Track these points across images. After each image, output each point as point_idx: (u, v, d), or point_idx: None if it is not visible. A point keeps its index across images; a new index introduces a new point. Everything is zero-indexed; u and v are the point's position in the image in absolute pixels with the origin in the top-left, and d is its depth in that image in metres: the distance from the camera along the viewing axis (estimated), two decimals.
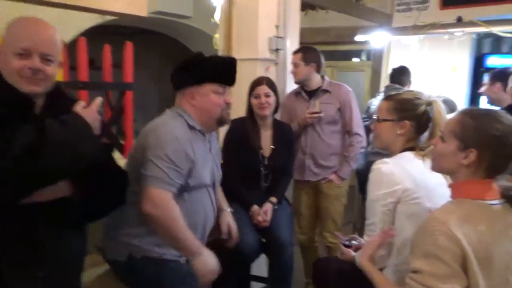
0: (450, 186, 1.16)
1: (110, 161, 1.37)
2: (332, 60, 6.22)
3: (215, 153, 1.73)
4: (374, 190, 1.41)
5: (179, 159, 1.47)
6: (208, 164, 1.64)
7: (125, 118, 2.26)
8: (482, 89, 2.72)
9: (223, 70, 1.61)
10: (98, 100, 1.25)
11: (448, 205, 1.10)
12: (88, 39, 2.43)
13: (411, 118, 1.47)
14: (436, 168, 1.21)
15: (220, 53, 2.74)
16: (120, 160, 2.34)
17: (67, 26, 3.84)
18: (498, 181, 1.13)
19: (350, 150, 2.54)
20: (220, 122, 1.63)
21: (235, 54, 2.63)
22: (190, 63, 1.60)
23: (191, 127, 1.56)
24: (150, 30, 6.00)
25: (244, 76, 2.12)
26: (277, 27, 2.59)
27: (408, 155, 1.46)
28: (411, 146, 1.49)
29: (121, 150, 2.30)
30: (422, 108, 1.47)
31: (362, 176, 3.60)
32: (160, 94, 9.48)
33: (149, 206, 1.43)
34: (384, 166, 1.41)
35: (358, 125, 2.54)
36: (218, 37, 2.84)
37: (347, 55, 6.34)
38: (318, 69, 2.57)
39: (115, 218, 1.51)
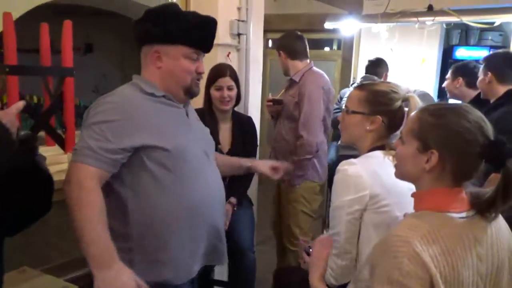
0: (412, 195, 1.01)
1: (32, 166, 1.15)
2: None
3: (196, 122, 1.48)
4: (339, 196, 1.24)
5: (111, 127, 1.19)
6: (187, 132, 1.36)
7: (66, 108, 1.99)
8: (444, 84, 2.62)
9: (200, 32, 1.32)
10: (20, 103, 1.10)
11: (411, 220, 0.95)
12: (37, 20, 2.16)
13: (384, 113, 1.31)
14: (398, 174, 1.06)
15: None
16: (61, 155, 2.10)
17: (9, 3, 3.46)
18: (468, 187, 0.99)
19: (295, 154, 2.32)
20: (188, 92, 1.36)
21: None
22: (161, 15, 1.30)
23: (149, 94, 1.30)
24: (108, 11, 5.61)
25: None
26: (239, 9, 2.38)
27: (378, 155, 1.30)
28: (381, 144, 1.34)
29: (62, 144, 2.04)
30: (398, 103, 1.31)
31: (331, 171, 3.48)
32: (124, 79, 9.05)
33: (64, 182, 1.16)
34: (351, 168, 1.24)
35: (304, 125, 2.27)
36: None
37: (318, 44, 6.21)
38: (291, 56, 2.41)
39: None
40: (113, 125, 1.19)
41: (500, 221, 0.99)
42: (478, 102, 2.36)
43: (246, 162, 1.74)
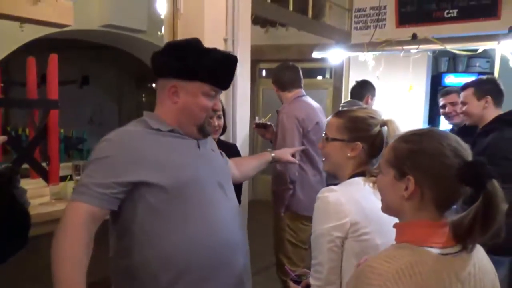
0: (394, 226, 0.98)
1: (8, 199, 1.13)
2: None
3: (210, 153, 1.40)
4: (320, 223, 1.21)
5: (104, 163, 1.16)
6: (197, 163, 1.29)
7: (50, 140, 1.98)
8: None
9: (222, 70, 1.29)
10: (1, 137, 1.12)
11: (388, 251, 0.90)
12: (34, 53, 2.20)
13: (364, 139, 1.30)
14: (384, 208, 1.02)
15: None
16: (44, 188, 2.07)
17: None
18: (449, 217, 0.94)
19: (273, 183, 2.36)
20: (201, 130, 1.30)
21: None
22: (183, 50, 1.26)
23: (155, 129, 1.25)
24: (105, 45, 5.74)
25: None
26: (225, 40, 2.41)
27: (358, 181, 1.28)
28: (362, 171, 1.32)
29: (45, 177, 2.02)
30: (376, 128, 1.30)
31: None
32: (120, 111, 9.12)
33: None
34: (331, 195, 1.22)
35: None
36: None
37: (311, 73, 6.33)
38: (281, 88, 2.50)
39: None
40: (106, 160, 1.16)
41: (483, 257, 0.94)
42: (464, 129, 2.37)
43: (268, 154, 1.80)
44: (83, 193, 1.12)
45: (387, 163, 0.97)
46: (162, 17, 2.63)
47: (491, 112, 2.08)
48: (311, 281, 1.23)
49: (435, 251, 0.87)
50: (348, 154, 1.30)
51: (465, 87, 2.23)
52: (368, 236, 1.16)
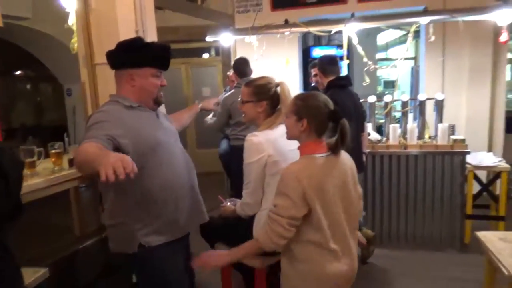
0: (298, 148, 1.65)
1: None
2: (185, 58, 6.58)
3: (165, 121, 1.89)
4: (248, 157, 1.84)
5: (102, 124, 1.56)
6: (159, 128, 1.77)
7: None
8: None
9: (161, 56, 1.76)
10: None
11: (297, 162, 1.59)
12: None
13: (267, 98, 1.94)
14: (288, 137, 1.68)
15: (81, 58, 2.80)
16: None
17: None
18: (326, 139, 1.64)
19: None
20: (156, 101, 1.79)
21: (98, 60, 2.75)
22: (129, 47, 1.72)
23: (128, 107, 1.70)
24: None
25: (108, 81, 2.15)
26: (136, 32, 2.78)
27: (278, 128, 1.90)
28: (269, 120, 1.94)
29: None
30: (273, 89, 1.95)
31: (226, 159, 4.09)
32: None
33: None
34: (254, 138, 1.85)
35: None
36: (74, 42, 2.88)
37: (197, 52, 6.79)
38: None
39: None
40: (104, 124, 1.57)
41: (343, 154, 1.66)
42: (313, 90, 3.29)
43: (196, 106, 2.35)
44: (91, 138, 1.48)
45: (290, 111, 1.63)
46: (68, 10, 2.84)
47: (325, 79, 3.10)
48: (243, 195, 1.87)
49: (320, 155, 1.57)
50: (258, 110, 1.94)
51: (315, 63, 3.32)
52: (278, 162, 1.82)
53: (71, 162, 2.29)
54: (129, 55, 1.71)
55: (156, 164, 1.70)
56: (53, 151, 2.22)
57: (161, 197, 1.70)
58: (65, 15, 2.86)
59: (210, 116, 3.63)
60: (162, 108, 2.01)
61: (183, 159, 1.85)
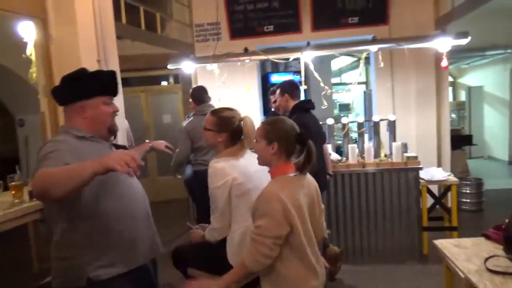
0: (269, 171, 1.72)
1: None
2: (144, 86, 6.57)
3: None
4: (213, 182, 1.89)
5: (58, 153, 1.49)
6: None
7: None
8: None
9: (109, 84, 1.72)
10: None
11: (273, 183, 1.65)
12: None
13: (228, 131, 2.01)
14: (260, 162, 1.75)
15: (41, 88, 2.76)
16: None
17: None
18: (294, 160, 1.73)
19: None
20: (110, 130, 1.73)
21: None
22: (75, 80, 1.66)
23: (80, 137, 1.64)
24: None
25: None
26: (98, 61, 2.79)
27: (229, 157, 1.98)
28: (230, 150, 2.02)
29: None
30: (237, 123, 2.02)
31: (189, 185, 4.07)
32: None
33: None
34: (217, 164, 1.91)
35: None
36: (33, 72, 2.84)
37: (156, 80, 6.80)
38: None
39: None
40: (59, 153, 1.50)
41: (309, 177, 1.74)
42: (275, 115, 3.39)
43: (146, 144, 2.42)
44: (50, 165, 1.42)
45: (260, 136, 1.70)
46: (26, 40, 2.81)
47: (291, 103, 3.19)
48: (211, 220, 1.90)
49: (291, 175, 1.65)
50: (218, 139, 2.00)
51: (274, 90, 3.37)
52: (243, 184, 1.88)
53: (31, 194, 2.22)
54: (77, 88, 1.66)
55: (112, 194, 1.67)
56: (13, 183, 2.15)
57: (116, 228, 1.65)
58: (23, 45, 2.82)
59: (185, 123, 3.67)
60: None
61: (139, 189, 1.82)
